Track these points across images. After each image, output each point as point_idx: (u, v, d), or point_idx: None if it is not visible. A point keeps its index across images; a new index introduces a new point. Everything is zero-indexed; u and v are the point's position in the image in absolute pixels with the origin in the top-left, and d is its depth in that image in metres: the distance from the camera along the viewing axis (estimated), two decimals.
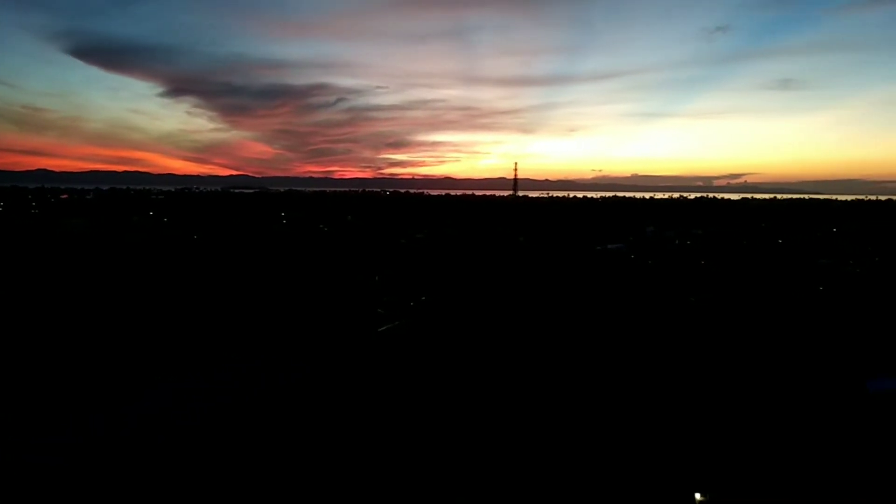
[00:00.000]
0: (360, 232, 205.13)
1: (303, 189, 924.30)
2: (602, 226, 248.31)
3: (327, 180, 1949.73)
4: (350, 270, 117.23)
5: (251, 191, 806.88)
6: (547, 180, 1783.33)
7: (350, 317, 79.83)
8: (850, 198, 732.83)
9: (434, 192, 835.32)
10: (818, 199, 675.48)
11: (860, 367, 58.28)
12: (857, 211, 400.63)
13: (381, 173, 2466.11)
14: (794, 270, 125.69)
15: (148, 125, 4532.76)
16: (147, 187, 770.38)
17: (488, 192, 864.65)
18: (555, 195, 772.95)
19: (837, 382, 54.58)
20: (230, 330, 72.88)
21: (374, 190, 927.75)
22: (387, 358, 62.59)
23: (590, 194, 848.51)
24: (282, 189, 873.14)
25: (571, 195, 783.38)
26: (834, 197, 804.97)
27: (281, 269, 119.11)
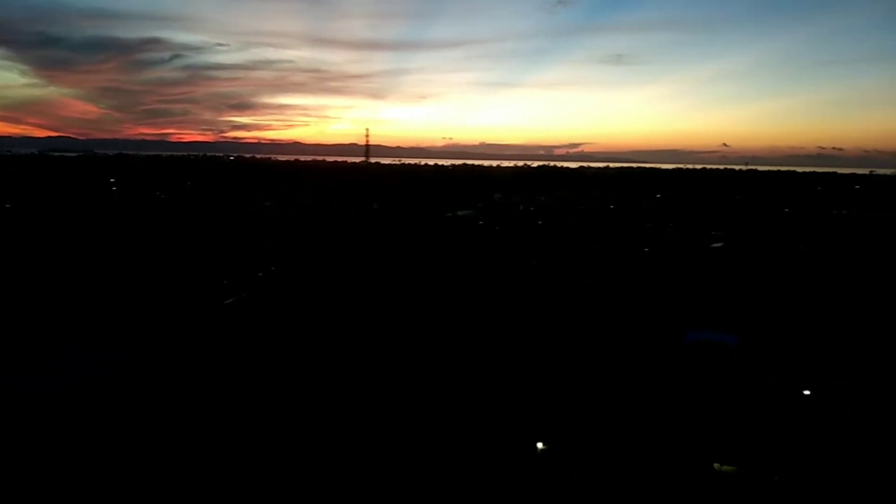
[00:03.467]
0: (202, 199, 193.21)
1: (135, 153, 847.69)
2: (452, 192, 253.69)
3: (163, 143, 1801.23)
4: (191, 240, 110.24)
5: (74, 154, 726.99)
6: (399, 147, 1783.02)
7: (192, 289, 75.17)
8: (671, 166, 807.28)
9: (282, 158, 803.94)
10: (645, 168, 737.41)
11: (679, 320, 64.91)
12: (678, 179, 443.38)
13: (224, 137, 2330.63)
14: (624, 233, 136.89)
15: None
16: None
17: (340, 159, 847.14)
18: (407, 162, 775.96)
19: (659, 334, 60.46)
20: (55, 308, 65.80)
21: (217, 154, 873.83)
22: (232, 331, 59.87)
23: (441, 161, 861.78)
24: (110, 153, 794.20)
25: (423, 162, 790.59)
26: (658, 166, 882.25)
27: (112, 239, 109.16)
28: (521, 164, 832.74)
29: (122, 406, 42.49)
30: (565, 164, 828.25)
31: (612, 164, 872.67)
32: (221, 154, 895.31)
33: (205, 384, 46.52)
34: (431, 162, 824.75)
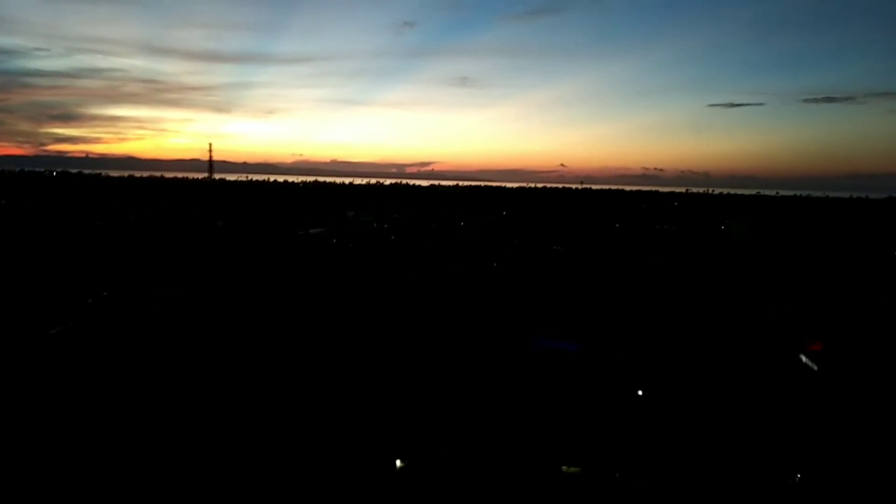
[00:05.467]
0: (20, 219, 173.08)
1: None
2: (304, 210, 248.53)
3: None
4: (5, 265, 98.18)
5: None
6: (245, 163, 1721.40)
7: (8, 319, 66.71)
8: (515, 185, 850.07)
9: (115, 174, 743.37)
10: (492, 186, 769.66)
11: (526, 330, 68.15)
12: (522, 197, 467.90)
13: (45, 150, 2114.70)
14: (474, 249, 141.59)
15: None
16: None
17: (180, 174, 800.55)
18: (254, 178, 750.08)
19: (507, 343, 63.10)
20: None
21: (37, 170, 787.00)
22: (56, 365, 53.91)
23: (290, 178, 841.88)
24: None
25: (272, 179, 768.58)
26: (504, 184, 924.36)
27: None
28: (373, 181, 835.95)
29: None
30: (417, 182, 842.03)
31: (461, 183, 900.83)
32: (42, 169, 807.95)
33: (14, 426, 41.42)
34: (281, 178, 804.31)
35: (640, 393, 50.28)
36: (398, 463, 37.72)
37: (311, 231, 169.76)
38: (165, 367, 53.61)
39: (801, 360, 61.05)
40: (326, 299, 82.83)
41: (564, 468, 37.86)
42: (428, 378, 52.84)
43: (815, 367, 58.99)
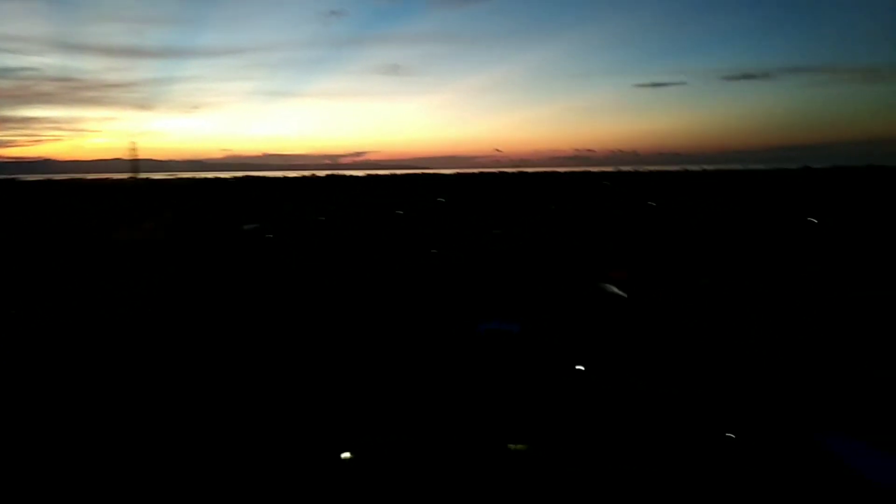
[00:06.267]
0: None
1: None
2: (236, 206, 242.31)
3: None
4: None
5: None
6: (172, 160, 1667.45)
7: None
8: (452, 171, 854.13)
9: (30, 178, 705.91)
10: (428, 174, 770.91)
11: (473, 314, 68.54)
12: (459, 183, 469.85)
13: None
14: (412, 238, 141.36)
15: None
16: None
17: (102, 176, 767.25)
18: (182, 176, 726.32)
19: (454, 326, 63.32)
20: None
21: None
22: None
23: (221, 174, 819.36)
24: None
25: (201, 176, 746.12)
26: (440, 171, 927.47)
27: None
28: (307, 174, 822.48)
29: None
30: (352, 173, 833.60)
31: (397, 171, 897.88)
32: None
33: None
34: (210, 175, 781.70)
35: (580, 368, 51.25)
36: (345, 455, 37.17)
37: (245, 227, 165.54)
38: (83, 384, 51.22)
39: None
40: (267, 295, 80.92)
41: (511, 446, 38.20)
42: (374, 366, 52.35)
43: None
